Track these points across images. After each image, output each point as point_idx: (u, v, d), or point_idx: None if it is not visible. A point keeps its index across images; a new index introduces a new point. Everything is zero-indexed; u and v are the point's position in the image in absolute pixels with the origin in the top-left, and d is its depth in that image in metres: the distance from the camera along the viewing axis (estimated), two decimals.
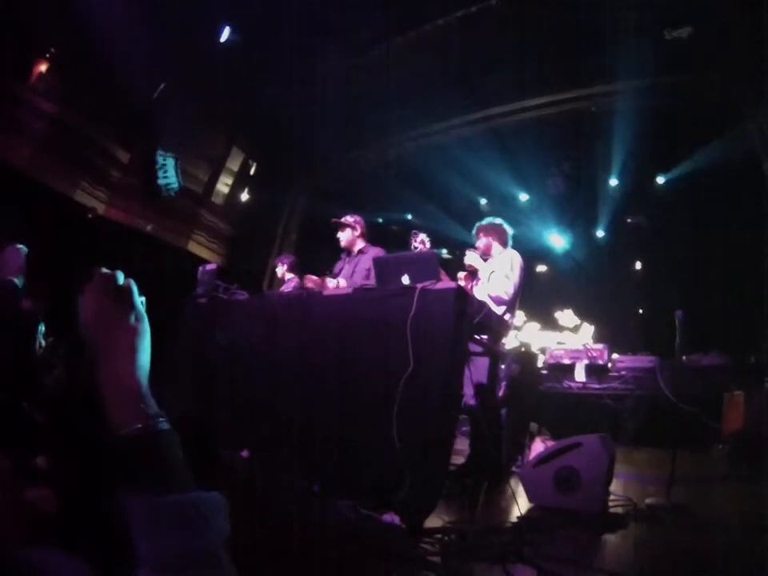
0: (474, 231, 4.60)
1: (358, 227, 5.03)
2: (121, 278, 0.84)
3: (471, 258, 4.34)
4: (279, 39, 6.94)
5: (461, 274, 4.39)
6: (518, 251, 4.37)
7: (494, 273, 4.18)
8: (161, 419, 0.75)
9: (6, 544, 0.74)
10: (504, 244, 4.47)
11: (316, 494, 2.83)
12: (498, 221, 4.60)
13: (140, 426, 0.72)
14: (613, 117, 7.31)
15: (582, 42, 6.35)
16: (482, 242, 4.49)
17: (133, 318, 0.81)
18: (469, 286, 4.30)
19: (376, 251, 4.80)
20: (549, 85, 7.36)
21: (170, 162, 8.17)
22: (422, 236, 4.31)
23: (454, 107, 7.89)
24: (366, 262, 4.70)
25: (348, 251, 5.06)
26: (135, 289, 0.85)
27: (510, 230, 4.56)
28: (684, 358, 5.37)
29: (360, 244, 5.01)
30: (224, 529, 0.72)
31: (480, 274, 4.29)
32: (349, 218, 5.05)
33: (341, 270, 5.01)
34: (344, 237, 5.01)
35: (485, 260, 4.36)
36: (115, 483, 0.70)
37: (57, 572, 0.69)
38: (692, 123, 6.91)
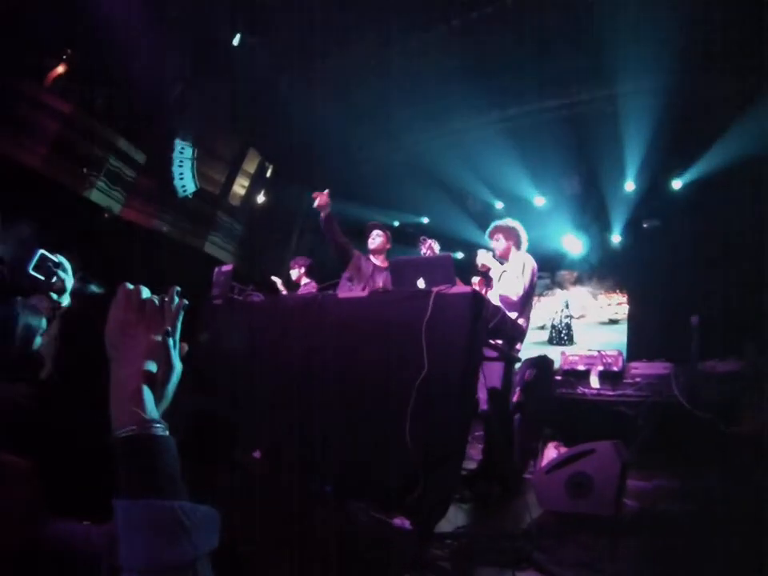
0: (489, 229, 4.48)
1: (389, 241, 4.95)
2: (144, 293, 0.88)
3: (484, 257, 4.23)
4: (295, 39, 6.98)
5: (475, 279, 4.34)
6: (532, 255, 4.32)
7: (506, 273, 4.14)
8: (157, 425, 0.76)
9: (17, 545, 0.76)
10: (519, 247, 4.40)
11: (328, 496, 2.84)
12: (516, 223, 4.50)
13: (134, 428, 0.74)
14: (628, 118, 7.29)
15: (600, 42, 6.34)
16: (501, 245, 4.38)
17: (149, 330, 0.84)
18: (483, 292, 4.24)
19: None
20: (565, 85, 7.38)
21: (187, 164, 8.25)
22: (431, 242, 4.22)
23: (472, 106, 7.88)
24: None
25: (372, 254, 4.89)
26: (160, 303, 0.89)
27: (525, 234, 4.47)
28: (700, 364, 5.32)
29: (383, 257, 4.89)
30: (209, 541, 0.72)
31: (492, 273, 4.22)
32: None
33: (369, 269, 4.75)
34: (379, 241, 4.86)
35: (501, 263, 4.29)
36: (109, 484, 0.71)
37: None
38: (706, 123, 6.90)
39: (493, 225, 4.51)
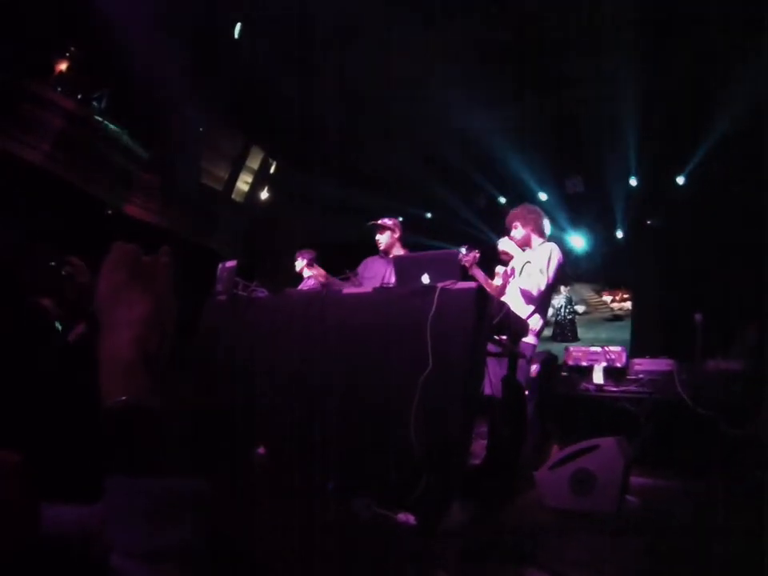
0: (506, 219, 4.29)
1: (397, 230, 4.93)
2: (140, 254, 0.83)
3: (506, 244, 4.07)
4: (300, 33, 6.96)
5: (499, 269, 4.23)
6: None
7: (529, 264, 3.93)
8: (153, 397, 0.71)
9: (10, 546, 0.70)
10: (542, 234, 4.19)
11: (330, 492, 2.84)
12: (534, 206, 4.33)
13: (125, 398, 0.69)
14: (629, 116, 7.28)
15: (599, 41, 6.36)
16: (519, 233, 4.16)
17: (144, 294, 0.78)
18: (508, 282, 4.15)
19: None
20: (567, 83, 7.37)
21: None
22: (474, 252, 3.86)
23: (475, 103, 7.87)
24: None
25: (385, 253, 4.91)
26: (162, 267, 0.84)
27: (546, 219, 4.27)
28: (703, 361, 5.30)
29: (398, 249, 4.89)
30: (203, 521, 0.68)
31: (514, 262, 4.07)
32: (388, 221, 4.94)
33: (371, 269, 4.80)
34: (383, 240, 4.90)
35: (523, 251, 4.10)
36: (100, 460, 0.67)
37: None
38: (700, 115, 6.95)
39: (510, 213, 4.33)
